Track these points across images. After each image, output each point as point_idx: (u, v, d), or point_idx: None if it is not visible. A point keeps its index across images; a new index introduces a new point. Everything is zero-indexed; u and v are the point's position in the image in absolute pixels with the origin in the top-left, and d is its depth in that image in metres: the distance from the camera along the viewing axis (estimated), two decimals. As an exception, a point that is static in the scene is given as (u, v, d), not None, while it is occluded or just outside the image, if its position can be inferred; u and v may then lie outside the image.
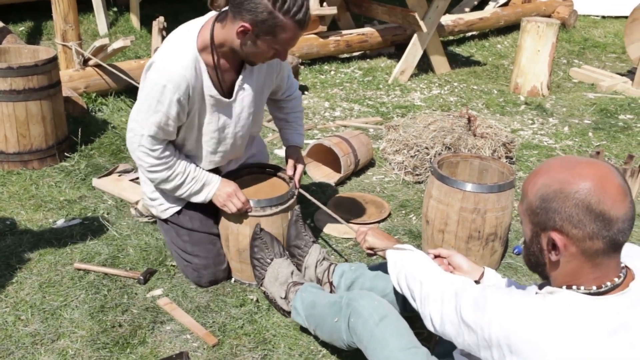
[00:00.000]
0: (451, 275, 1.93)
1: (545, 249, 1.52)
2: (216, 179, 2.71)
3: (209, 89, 2.50)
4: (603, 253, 1.45)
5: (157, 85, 2.39)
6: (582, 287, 1.49)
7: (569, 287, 1.50)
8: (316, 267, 2.71)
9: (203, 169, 2.71)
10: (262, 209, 2.70)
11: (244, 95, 2.62)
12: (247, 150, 3.04)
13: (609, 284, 1.48)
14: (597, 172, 1.45)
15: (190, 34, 2.44)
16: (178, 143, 2.67)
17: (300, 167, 2.94)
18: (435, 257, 2.21)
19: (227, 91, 2.60)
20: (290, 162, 2.93)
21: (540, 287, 1.63)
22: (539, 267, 1.59)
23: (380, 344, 2.08)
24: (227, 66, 2.54)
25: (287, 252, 2.77)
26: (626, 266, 1.56)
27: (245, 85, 2.61)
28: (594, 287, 1.48)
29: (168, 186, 2.65)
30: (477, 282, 2.08)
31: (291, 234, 2.80)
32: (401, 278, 2.07)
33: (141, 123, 2.49)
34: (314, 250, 2.76)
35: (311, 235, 2.82)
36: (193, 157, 2.73)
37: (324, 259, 2.74)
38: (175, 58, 2.39)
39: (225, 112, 2.61)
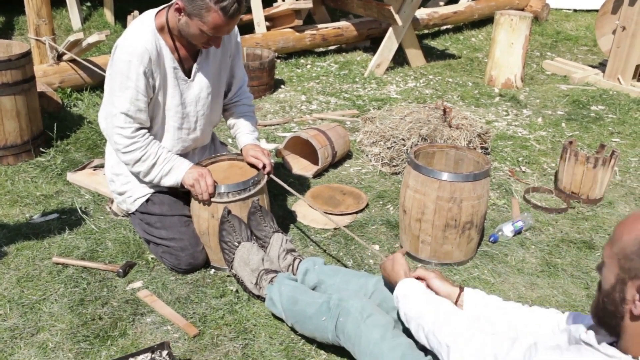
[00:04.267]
0: (482, 336, 1.75)
1: (630, 299, 1.37)
2: (187, 162, 2.82)
3: (172, 61, 2.73)
4: None
5: (123, 62, 2.61)
6: None
7: (634, 357, 1.37)
8: (279, 259, 2.75)
9: (174, 153, 2.85)
10: (218, 195, 2.74)
11: (202, 77, 2.85)
12: (210, 147, 3.20)
13: None
14: None
15: (148, 16, 2.70)
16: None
17: (263, 153, 2.94)
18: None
19: (187, 73, 2.82)
20: (252, 159, 2.95)
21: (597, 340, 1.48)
22: (612, 319, 1.42)
23: (366, 339, 2.13)
24: (185, 53, 2.77)
25: (254, 235, 2.80)
26: None
27: (203, 68, 2.84)
28: None
29: (142, 167, 2.78)
30: (455, 302, 2.07)
31: (251, 225, 2.83)
32: (420, 333, 1.96)
33: (114, 102, 2.66)
34: (275, 242, 2.79)
35: (272, 225, 2.84)
36: (162, 133, 2.87)
37: (286, 251, 2.77)
38: (136, 36, 2.63)
39: (186, 90, 2.83)
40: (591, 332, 1.49)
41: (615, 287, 1.39)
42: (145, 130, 2.77)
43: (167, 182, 2.81)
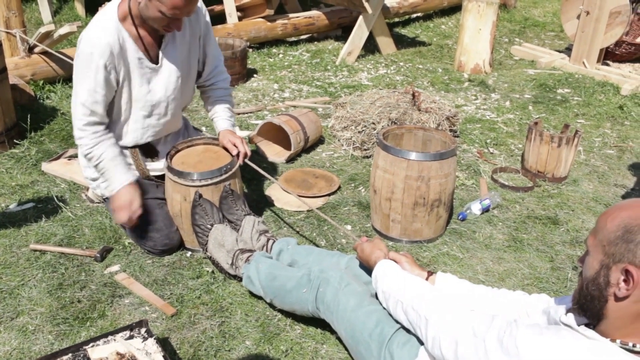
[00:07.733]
0: (460, 311, 1.81)
1: (614, 282, 1.44)
2: (119, 182, 2.83)
3: (136, 52, 2.74)
4: None
5: (84, 54, 2.65)
6: (629, 343, 1.43)
7: (612, 340, 1.45)
8: (252, 241, 2.82)
9: (120, 164, 2.84)
10: (190, 180, 2.81)
11: (169, 62, 2.86)
12: (184, 134, 3.24)
13: None
14: None
15: (111, 7, 2.72)
16: (114, 115, 2.87)
17: (240, 140, 3.00)
18: None
19: (153, 60, 2.84)
20: (229, 144, 3.00)
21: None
22: (597, 303, 1.49)
23: (343, 306, 2.21)
24: (151, 40, 2.79)
25: (226, 219, 2.87)
26: None
27: (169, 53, 2.85)
28: (630, 344, 1.43)
29: (90, 164, 2.88)
30: None
31: (223, 209, 2.89)
32: (398, 309, 2.02)
33: (77, 92, 2.72)
34: (247, 224, 2.85)
35: (244, 209, 2.90)
36: (130, 123, 2.90)
37: (259, 232, 2.83)
38: (99, 28, 2.66)
39: (154, 77, 2.85)
40: (571, 315, 1.56)
41: (600, 272, 1.46)
42: (98, 128, 2.79)
43: (106, 192, 2.90)
